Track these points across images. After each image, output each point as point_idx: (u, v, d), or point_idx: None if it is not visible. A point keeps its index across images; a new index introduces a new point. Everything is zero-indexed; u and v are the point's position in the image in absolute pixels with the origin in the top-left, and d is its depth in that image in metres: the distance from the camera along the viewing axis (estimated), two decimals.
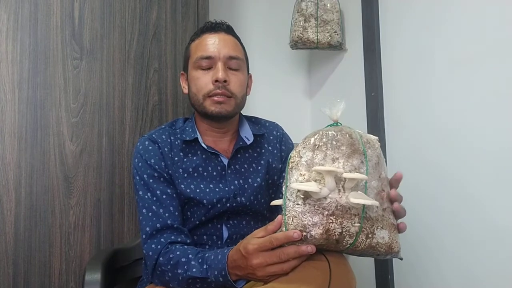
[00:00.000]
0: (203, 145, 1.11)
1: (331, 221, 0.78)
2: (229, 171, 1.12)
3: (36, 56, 1.39)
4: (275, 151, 1.20)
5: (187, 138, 1.11)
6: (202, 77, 1.10)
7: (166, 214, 1.04)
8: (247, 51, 1.19)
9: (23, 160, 1.35)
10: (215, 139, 1.15)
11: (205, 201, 1.07)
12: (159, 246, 1.00)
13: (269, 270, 0.82)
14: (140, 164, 1.08)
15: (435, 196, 1.28)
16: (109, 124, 1.44)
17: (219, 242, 1.09)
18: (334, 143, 0.82)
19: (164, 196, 1.06)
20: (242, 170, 1.13)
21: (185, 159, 1.11)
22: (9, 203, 1.33)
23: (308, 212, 0.79)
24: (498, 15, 1.10)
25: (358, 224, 0.79)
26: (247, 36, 1.30)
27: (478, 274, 1.14)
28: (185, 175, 1.09)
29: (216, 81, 1.07)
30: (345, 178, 0.79)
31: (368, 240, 0.80)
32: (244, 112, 1.22)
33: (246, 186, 1.12)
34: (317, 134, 0.85)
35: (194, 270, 0.93)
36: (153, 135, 1.12)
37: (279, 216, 0.83)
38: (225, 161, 1.12)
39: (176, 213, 1.05)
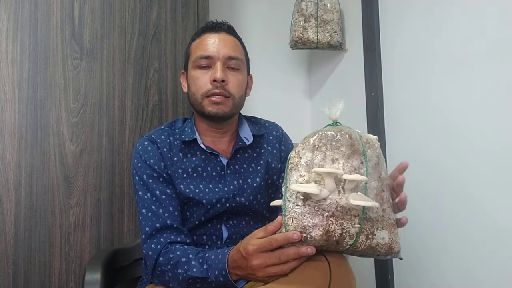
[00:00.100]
0: (202, 145, 1.11)
1: (331, 222, 0.78)
2: (228, 171, 1.12)
3: (36, 56, 1.39)
4: (274, 151, 1.20)
5: (186, 139, 1.11)
6: (201, 76, 1.10)
7: (166, 214, 1.04)
8: (247, 51, 1.19)
9: (23, 160, 1.35)
10: (214, 139, 1.15)
11: (204, 201, 1.07)
12: (159, 246, 1.00)
13: (269, 271, 0.82)
14: (139, 164, 1.08)
15: (435, 196, 1.28)
16: (109, 124, 1.44)
17: (219, 242, 1.09)
18: (334, 143, 0.82)
19: (163, 196, 1.06)
20: (242, 170, 1.13)
21: (184, 160, 1.11)
22: (9, 203, 1.33)
23: (308, 213, 0.79)
24: (498, 15, 1.10)
25: (358, 225, 0.79)
26: (247, 36, 1.30)
27: (478, 274, 1.14)
28: (185, 175, 1.09)
29: (214, 80, 1.07)
30: (345, 179, 0.79)
31: (368, 241, 0.80)
32: (244, 112, 1.22)
33: (245, 186, 1.12)
34: (317, 135, 0.84)
35: (194, 270, 0.93)
36: (152, 136, 1.12)
37: (279, 217, 0.83)
38: (225, 161, 1.12)
39: (176, 213, 1.05)
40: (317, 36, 1.72)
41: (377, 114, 1.51)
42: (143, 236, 1.03)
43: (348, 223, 0.79)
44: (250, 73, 1.21)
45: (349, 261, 0.89)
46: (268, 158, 1.17)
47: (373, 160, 0.84)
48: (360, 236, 0.79)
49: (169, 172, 1.08)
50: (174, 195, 1.07)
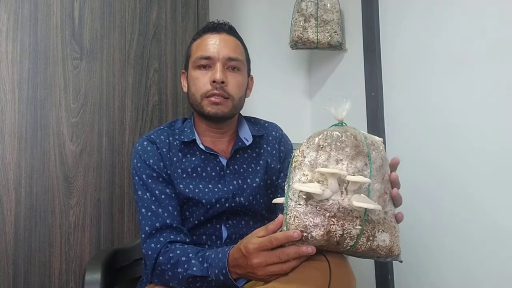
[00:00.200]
0: (201, 146, 1.12)
1: (332, 222, 0.78)
2: (227, 171, 1.12)
3: (36, 56, 1.39)
4: (274, 152, 1.20)
5: (185, 140, 1.12)
6: (201, 77, 1.10)
7: (165, 214, 1.04)
8: (248, 51, 1.19)
9: (23, 160, 1.35)
10: (214, 139, 1.15)
11: (204, 201, 1.07)
12: (158, 246, 1.00)
13: (269, 270, 0.82)
14: (139, 164, 1.09)
15: (435, 196, 1.28)
16: (109, 124, 1.45)
17: (218, 242, 1.09)
18: (339, 144, 0.82)
19: (163, 196, 1.06)
20: (241, 170, 1.13)
21: (183, 160, 1.11)
22: (9, 203, 1.33)
23: (309, 213, 0.79)
24: (498, 15, 1.10)
25: (360, 227, 0.79)
26: (247, 36, 1.29)
27: (478, 274, 1.14)
28: (184, 175, 1.09)
29: (214, 81, 1.07)
30: (348, 181, 0.79)
31: (369, 243, 0.80)
32: (244, 112, 1.22)
33: (245, 186, 1.12)
34: (322, 134, 0.84)
35: (194, 268, 0.93)
36: (152, 136, 1.12)
37: (280, 216, 0.83)
38: (224, 162, 1.12)
39: (175, 212, 1.05)
40: (317, 36, 1.72)
41: (377, 114, 1.51)
42: (143, 235, 1.03)
43: (349, 224, 0.79)
44: (251, 74, 1.21)
45: (349, 261, 0.89)
46: (267, 159, 1.17)
47: (377, 162, 0.84)
48: (361, 238, 0.79)
49: (168, 172, 1.08)
50: (173, 195, 1.07)
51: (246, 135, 1.17)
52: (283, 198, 0.84)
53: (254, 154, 1.17)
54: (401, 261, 0.89)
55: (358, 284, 0.89)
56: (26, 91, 1.38)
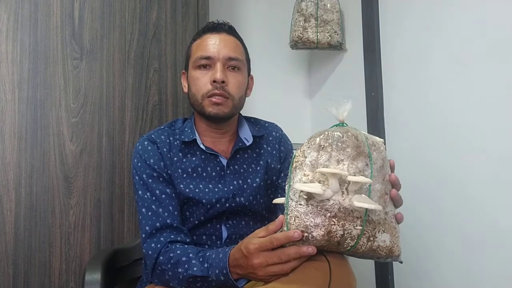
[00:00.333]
0: (201, 146, 1.12)
1: (333, 223, 0.78)
2: (228, 171, 1.12)
3: (36, 56, 1.39)
4: (274, 152, 1.20)
5: (186, 140, 1.12)
6: (201, 77, 1.10)
7: (166, 214, 1.04)
8: (248, 51, 1.19)
9: (23, 160, 1.35)
10: (214, 139, 1.15)
11: (204, 201, 1.07)
12: (159, 245, 1.00)
13: (270, 270, 0.82)
14: (139, 164, 1.09)
15: (435, 196, 1.28)
16: (109, 124, 1.44)
17: (218, 242, 1.09)
18: (340, 144, 0.82)
19: (163, 196, 1.06)
20: (241, 170, 1.13)
21: (184, 160, 1.11)
22: (9, 203, 1.33)
23: (310, 213, 0.79)
24: (498, 15, 1.10)
25: (360, 227, 0.79)
26: (247, 36, 1.29)
27: (478, 274, 1.14)
28: (184, 175, 1.09)
29: (214, 81, 1.07)
30: (349, 181, 0.79)
31: (370, 243, 0.80)
32: (244, 112, 1.22)
33: (245, 186, 1.12)
34: (323, 134, 0.84)
35: (195, 269, 0.93)
36: (152, 135, 1.12)
37: (281, 216, 0.83)
38: (224, 162, 1.12)
39: (176, 212, 1.05)
40: (317, 36, 1.72)
41: (377, 114, 1.51)
42: (143, 235, 1.03)
43: (350, 224, 0.79)
44: (251, 73, 1.21)
45: (349, 261, 0.89)
46: (267, 159, 1.17)
47: (378, 162, 0.84)
48: (362, 238, 0.79)
49: (168, 172, 1.08)
50: (174, 195, 1.07)
51: (246, 135, 1.17)
52: (284, 198, 0.84)
53: (254, 154, 1.17)
54: (401, 262, 0.89)
55: (358, 284, 0.89)
56: (26, 91, 1.38)
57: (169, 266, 0.97)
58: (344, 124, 0.87)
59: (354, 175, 0.80)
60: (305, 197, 0.80)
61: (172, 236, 1.02)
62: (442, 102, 1.27)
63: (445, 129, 1.26)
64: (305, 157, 0.84)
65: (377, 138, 0.88)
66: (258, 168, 1.15)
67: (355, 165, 0.81)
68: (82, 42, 1.44)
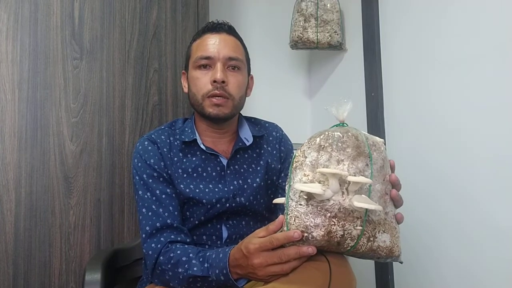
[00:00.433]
0: (202, 146, 1.12)
1: (333, 223, 0.78)
2: (228, 171, 1.12)
3: (36, 56, 1.39)
4: (274, 152, 1.20)
5: (186, 139, 1.12)
6: (201, 77, 1.10)
7: (166, 214, 1.04)
8: (248, 51, 1.19)
9: (23, 160, 1.35)
10: (214, 139, 1.15)
11: (204, 201, 1.07)
12: (159, 245, 1.00)
13: (270, 270, 0.83)
14: (139, 164, 1.09)
15: (435, 196, 1.28)
16: (109, 124, 1.44)
17: (219, 242, 1.09)
18: (340, 144, 0.82)
19: (163, 196, 1.06)
20: (242, 170, 1.13)
21: (184, 160, 1.11)
22: (9, 203, 1.33)
23: (310, 213, 0.79)
24: (498, 15, 1.10)
25: (360, 228, 0.79)
26: (247, 36, 1.29)
27: (478, 274, 1.15)
28: (185, 175, 1.09)
29: (215, 81, 1.07)
30: (349, 181, 0.79)
31: (370, 243, 0.80)
32: (244, 112, 1.22)
33: (245, 186, 1.12)
34: (323, 135, 0.84)
35: (195, 269, 0.93)
36: (153, 136, 1.12)
37: (281, 216, 0.83)
38: (224, 162, 1.12)
39: (176, 212, 1.05)
40: (317, 36, 1.72)
41: (377, 114, 1.51)
42: (143, 235, 1.03)
43: (350, 224, 0.79)
44: (251, 73, 1.21)
45: (350, 261, 0.89)
46: (268, 159, 1.17)
47: (379, 163, 0.84)
48: (362, 238, 0.79)
49: (169, 172, 1.08)
50: (174, 195, 1.07)
51: (247, 135, 1.17)
52: (284, 198, 0.84)
53: (254, 154, 1.17)
54: (401, 262, 0.89)
55: (358, 284, 0.89)
56: (26, 91, 1.38)
57: (169, 266, 0.97)
58: (345, 124, 0.87)
59: (354, 175, 0.80)
60: (305, 197, 0.80)
61: (172, 236, 1.02)
62: (442, 102, 1.27)
63: (445, 129, 1.26)
64: (305, 157, 0.84)
65: (378, 138, 0.88)
66: (259, 168, 1.15)
67: (355, 165, 0.81)
68: (82, 42, 1.44)
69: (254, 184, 1.13)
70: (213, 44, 1.10)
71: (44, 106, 1.39)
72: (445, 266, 1.25)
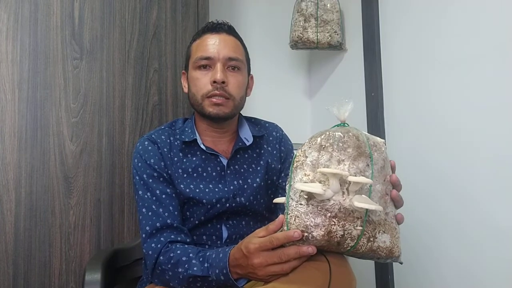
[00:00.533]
0: (202, 146, 1.12)
1: (333, 223, 0.78)
2: (228, 171, 1.12)
3: (36, 56, 1.39)
4: (274, 152, 1.20)
5: (186, 139, 1.12)
6: (201, 77, 1.10)
7: (166, 214, 1.04)
8: (247, 51, 1.19)
9: (23, 160, 1.35)
10: (215, 139, 1.15)
11: (204, 201, 1.07)
12: (159, 245, 1.00)
13: (270, 270, 0.83)
14: (139, 164, 1.09)
15: (435, 196, 1.28)
16: (109, 124, 1.44)
17: (219, 242, 1.09)
18: (341, 144, 0.82)
19: (163, 196, 1.06)
20: (242, 170, 1.13)
21: (184, 160, 1.11)
22: (9, 203, 1.33)
23: (310, 213, 0.79)
24: (498, 15, 1.10)
25: (360, 228, 0.79)
26: (247, 36, 1.30)
27: (478, 274, 1.15)
28: (185, 175, 1.09)
29: (215, 82, 1.07)
30: (349, 181, 0.79)
31: (370, 244, 0.80)
32: (244, 112, 1.22)
33: (245, 186, 1.12)
34: (324, 134, 0.84)
35: (195, 268, 0.93)
36: (153, 136, 1.12)
37: (281, 216, 0.83)
38: (225, 162, 1.12)
39: (176, 212, 1.05)
40: (317, 36, 1.72)
41: (377, 114, 1.51)
42: (143, 235, 1.03)
43: (350, 224, 0.79)
44: (251, 73, 1.21)
45: (349, 261, 0.89)
46: (268, 159, 1.17)
47: (379, 163, 0.84)
48: (362, 239, 0.79)
49: (169, 172, 1.08)
50: (174, 195, 1.07)
51: (247, 135, 1.17)
52: (284, 197, 0.84)
53: (254, 154, 1.17)
54: (401, 263, 0.89)
55: (358, 284, 0.89)
56: (26, 91, 1.38)
57: (169, 266, 0.97)
58: (345, 124, 0.87)
59: (355, 176, 0.80)
60: (306, 197, 0.80)
61: (172, 236, 1.02)
62: (442, 102, 1.27)
63: (445, 129, 1.26)
64: (306, 157, 0.84)
65: (378, 139, 0.88)
66: (259, 168, 1.15)
67: (356, 165, 0.81)
68: (82, 42, 1.44)
69: (254, 184, 1.13)
70: (213, 44, 1.10)
71: (44, 106, 1.39)
72: (445, 266, 1.25)
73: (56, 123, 1.39)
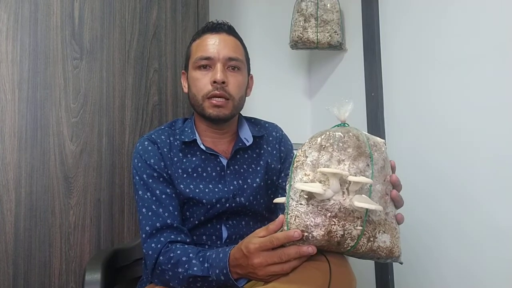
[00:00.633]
0: (201, 146, 1.12)
1: (333, 223, 0.78)
2: (228, 171, 1.12)
3: (36, 56, 1.39)
4: (274, 152, 1.20)
5: (186, 140, 1.12)
6: (201, 77, 1.10)
7: (166, 214, 1.04)
8: (247, 51, 1.19)
9: (23, 160, 1.35)
10: (214, 139, 1.15)
11: (204, 201, 1.07)
12: (159, 245, 1.00)
13: (270, 270, 0.83)
14: (139, 164, 1.09)
15: (435, 196, 1.28)
16: (109, 124, 1.44)
17: (219, 242, 1.09)
18: (341, 144, 0.82)
19: (163, 196, 1.06)
20: (241, 170, 1.13)
21: (184, 160, 1.11)
22: (9, 203, 1.33)
23: (310, 213, 0.79)
24: (498, 14, 1.10)
25: (360, 228, 0.79)
26: (247, 36, 1.30)
27: (478, 274, 1.15)
28: (185, 175, 1.09)
29: (215, 82, 1.07)
30: (350, 181, 0.79)
31: (370, 244, 0.80)
32: (244, 112, 1.22)
33: (245, 186, 1.12)
34: (324, 134, 0.84)
35: (195, 268, 0.93)
36: (153, 136, 1.12)
37: (281, 216, 0.83)
38: (224, 162, 1.12)
39: (176, 212, 1.05)
40: (317, 36, 1.72)
41: (377, 114, 1.51)
42: (143, 235, 1.03)
43: (350, 224, 0.79)
44: (251, 73, 1.21)
45: (349, 261, 0.89)
46: (267, 159, 1.17)
47: (379, 163, 0.84)
48: (362, 238, 0.79)
49: (169, 172, 1.08)
50: (174, 195, 1.07)
51: (247, 136, 1.17)
52: (284, 197, 0.84)
53: (254, 155, 1.17)
54: (401, 263, 0.89)
55: (358, 284, 0.89)
56: (26, 91, 1.38)
57: (169, 266, 0.97)
58: (346, 124, 0.87)
59: (355, 175, 0.80)
60: (306, 196, 0.80)
61: (172, 236, 1.02)
62: (442, 102, 1.27)
63: (445, 129, 1.26)
64: (306, 156, 0.84)
65: (378, 139, 0.88)
66: (258, 168, 1.15)
67: (356, 165, 0.81)
68: (82, 42, 1.44)
69: (254, 184, 1.13)
70: (213, 44, 1.10)
71: (44, 106, 1.39)
72: (445, 266, 1.25)
73: (56, 123, 1.39)
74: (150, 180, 1.07)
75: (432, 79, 1.31)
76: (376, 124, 1.51)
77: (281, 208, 1.04)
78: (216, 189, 1.09)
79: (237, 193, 1.10)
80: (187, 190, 1.07)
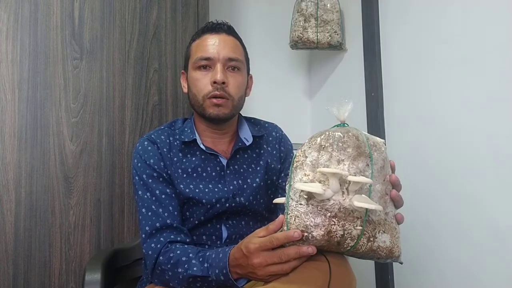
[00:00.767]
0: (201, 146, 1.12)
1: (333, 223, 0.78)
2: (228, 171, 1.12)
3: (36, 56, 1.39)
4: (274, 152, 1.20)
5: (186, 140, 1.12)
6: (201, 78, 1.10)
7: (166, 214, 1.04)
8: (247, 51, 1.19)
9: (23, 160, 1.35)
10: (214, 139, 1.15)
11: (204, 201, 1.07)
12: (159, 245, 1.00)
13: (270, 270, 0.83)
14: (139, 164, 1.09)
15: (435, 196, 1.28)
16: (109, 124, 1.44)
17: (218, 242, 1.09)
18: (340, 144, 0.82)
19: (163, 196, 1.06)
20: (241, 170, 1.13)
21: (184, 160, 1.11)
22: (9, 203, 1.33)
23: (310, 213, 0.79)
24: (498, 14, 1.10)
25: (360, 228, 0.79)
26: (247, 36, 1.30)
27: (478, 274, 1.15)
28: (184, 175, 1.09)
29: (215, 82, 1.07)
30: (349, 181, 0.79)
31: (369, 244, 0.80)
32: (244, 112, 1.22)
33: (245, 186, 1.12)
34: (324, 135, 0.84)
35: (195, 268, 0.93)
36: (152, 136, 1.12)
37: (281, 216, 0.83)
38: (224, 162, 1.12)
39: (176, 212, 1.05)
40: (317, 36, 1.72)
41: (377, 114, 1.51)
42: (143, 235, 1.03)
43: (350, 224, 0.79)
44: (250, 73, 1.21)
45: (349, 261, 0.89)
46: (267, 159, 1.17)
47: (379, 163, 0.84)
48: (362, 238, 0.79)
49: (169, 172, 1.08)
50: (173, 195, 1.07)
51: (246, 135, 1.17)
52: (284, 198, 0.84)
53: (254, 155, 1.17)
54: (401, 263, 0.89)
55: (358, 284, 0.89)
56: (26, 91, 1.38)
57: (169, 266, 0.97)
58: (345, 125, 0.87)
59: (355, 175, 0.80)
60: (306, 196, 0.80)
61: (172, 236, 1.02)
62: (442, 102, 1.27)
63: (445, 129, 1.26)
64: (306, 157, 0.84)
65: (378, 139, 0.88)
66: (258, 168, 1.15)
67: (355, 165, 0.81)
68: (82, 42, 1.44)
69: (254, 184, 1.13)
70: (213, 44, 1.10)
71: (44, 106, 1.39)
72: (445, 266, 1.25)
73: (56, 123, 1.39)
74: (150, 180, 1.07)
75: (432, 79, 1.31)
76: (376, 124, 1.51)
77: (281, 208, 1.04)
78: (216, 189, 1.09)
79: (237, 193, 1.10)
80: (187, 190, 1.07)
